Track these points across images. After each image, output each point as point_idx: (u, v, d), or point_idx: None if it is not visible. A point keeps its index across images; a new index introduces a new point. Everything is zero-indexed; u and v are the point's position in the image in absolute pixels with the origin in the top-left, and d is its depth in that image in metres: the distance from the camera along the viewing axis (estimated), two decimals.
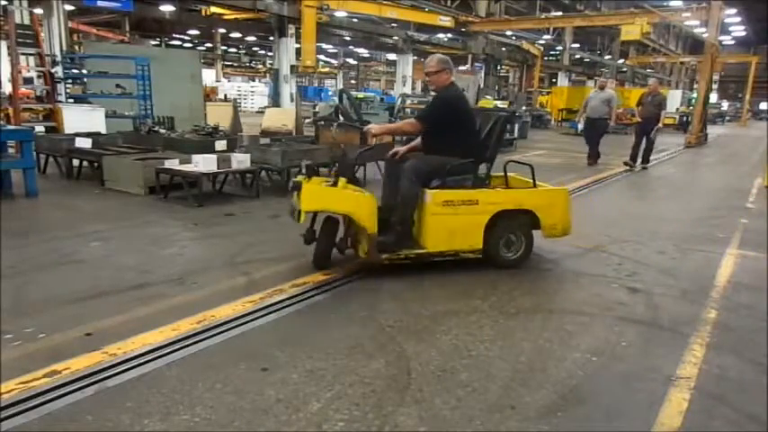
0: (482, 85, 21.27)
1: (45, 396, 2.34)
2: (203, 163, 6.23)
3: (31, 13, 11.13)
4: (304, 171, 3.92)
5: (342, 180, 3.79)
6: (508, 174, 4.55)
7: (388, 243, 3.89)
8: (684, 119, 24.58)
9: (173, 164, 6.44)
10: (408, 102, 20.10)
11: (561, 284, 4.02)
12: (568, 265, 4.51)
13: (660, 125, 10.79)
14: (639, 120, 10.99)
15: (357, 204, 3.78)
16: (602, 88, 11.60)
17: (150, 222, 5.44)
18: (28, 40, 9.94)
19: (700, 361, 2.89)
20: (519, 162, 4.74)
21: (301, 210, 3.69)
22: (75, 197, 6.56)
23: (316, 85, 39.81)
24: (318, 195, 3.75)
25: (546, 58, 29.91)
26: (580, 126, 12.12)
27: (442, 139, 4.11)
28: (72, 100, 11.13)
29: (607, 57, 35.99)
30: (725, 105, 45.58)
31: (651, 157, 11.37)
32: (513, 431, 2.25)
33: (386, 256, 3.86)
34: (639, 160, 10.99)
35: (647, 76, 37.31)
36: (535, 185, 4.42)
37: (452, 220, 3.95)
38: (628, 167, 10.81)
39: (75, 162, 7.62)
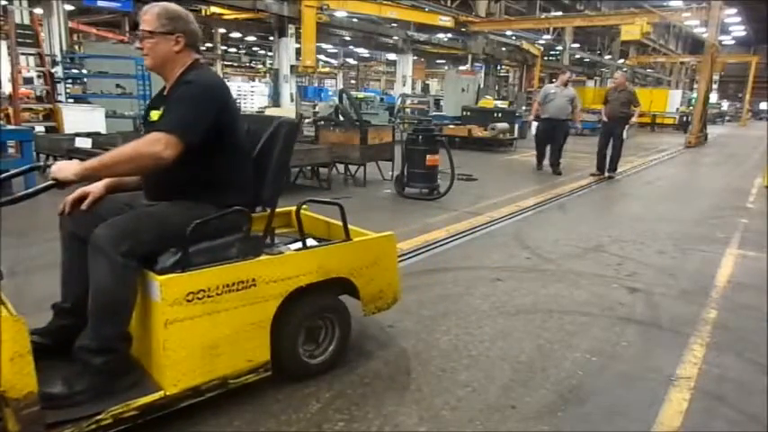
0: (482, 85, 21.27)
1: None
2: None
3: (31, 13, 11.15)
4: None
5: None
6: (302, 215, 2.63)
7: (75, 398, 1.94)
8: (684, 119, 24.60)
9: None
10: (408, 102, 20.13)
11: (561, 284, 4.02)
12: (568, 265, 4.51)
13: (633, 122, 9.58)
14: (605, 119, 9.40)
15: None
16: (565, 84, 9.89)
17: None
18: (28, 40, 9.94)
19: (700, 361, 2.89)
20: (321, 201, 2.85)
21: None
22: None
23: (316, 85, 39.77)
24: None
25: (546, 58, 29.89)
26: (533, 128, 10.04)
27: (199, 168, 2.21)
28: (72, 100, 11.16)
29: (607, 57, 36.01)
30: (725, 105, 45.67)
31: (650, 158, 11.28)
32: (513, 431, 2.25)
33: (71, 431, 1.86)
34: (607, 167, 9.58)
35: (646, 75, 37.37)
36: (348, 235, 2.66)
37: (211, 324, 2.16)
38: (595, 178, 9.39)
39: None
